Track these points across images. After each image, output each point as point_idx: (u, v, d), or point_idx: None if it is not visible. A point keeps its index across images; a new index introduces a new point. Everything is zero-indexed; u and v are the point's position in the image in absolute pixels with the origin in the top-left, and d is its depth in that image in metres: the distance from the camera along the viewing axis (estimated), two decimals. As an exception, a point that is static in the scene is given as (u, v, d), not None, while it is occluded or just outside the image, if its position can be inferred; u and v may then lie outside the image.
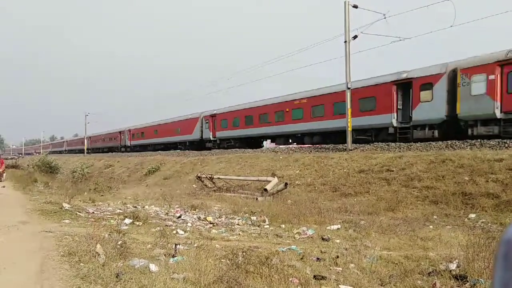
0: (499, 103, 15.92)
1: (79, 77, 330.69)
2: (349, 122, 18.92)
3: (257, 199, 14.47)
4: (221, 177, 19.13)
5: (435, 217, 10.73)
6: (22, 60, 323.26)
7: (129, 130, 51.74)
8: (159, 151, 40.70)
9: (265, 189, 15.10)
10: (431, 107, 18.21)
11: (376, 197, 13.04)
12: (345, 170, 16.17)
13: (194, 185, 20.41)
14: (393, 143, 18.41)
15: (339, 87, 21.81)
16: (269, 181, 15.66)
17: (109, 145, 59.70)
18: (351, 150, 18.77)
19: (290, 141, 27.83)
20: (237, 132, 31.85)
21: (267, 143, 33.07)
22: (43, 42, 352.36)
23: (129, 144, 51.77)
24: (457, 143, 15.56)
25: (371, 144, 19.53)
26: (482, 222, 9.72)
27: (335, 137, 22.51)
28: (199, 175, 20.00)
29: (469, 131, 16.99)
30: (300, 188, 16.16)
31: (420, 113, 18.65)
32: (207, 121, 35.87)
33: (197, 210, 12.62)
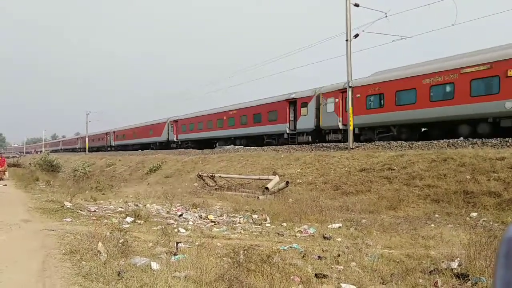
0: (340, 118, 22.11)
1: (80, 76, 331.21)
2: (351, 121, 18.90)
3: (258, 197, 14.48)
4: (222, 175, 19.15)
5: (436, 215, 10.72)
6: (23, 60, 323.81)
7: (114, 132, 57.75)
8: (145, 150, 44.36)
9: (266, 188, 15.11)
10: (307, 120, 24.86)
11: (378, 196, 13.03)
12: (346, 169, 16.16)
13: (195, 184, 20.43)
14: (394, 142, 18.41)
15: (256, 103, 30.15)
16: (270, 180, 15.67)
17: (97, 145, 64.67)
18: (352, 148, 18.76)
19: (228, 143, 33.36)
20: (193, 135, 38.42)
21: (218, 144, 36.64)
22: (44, 42, 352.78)
23: (113, 144, 57.47)
24: (458, 141, 15.53)
25: (373, 143, 19.50)
26: (484, 220, 9.71)
27: (255, 140, 29.73)
28: (200, 173, 20.02)
29: (327, 137, 23.65)
30: (301, 187, 16.16)
31: (301, 124, 25.44)
32: (172, 125, 41.98)
33: (198, 208, 12.63)
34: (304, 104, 25.03)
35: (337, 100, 22.42)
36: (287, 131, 26.47)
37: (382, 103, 19.95)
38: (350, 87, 19.05)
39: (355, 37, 19.14)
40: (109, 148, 59.04)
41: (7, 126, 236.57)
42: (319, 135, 24.42)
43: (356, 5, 19.08)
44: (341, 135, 22.12)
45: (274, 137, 28.25)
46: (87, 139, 63.06)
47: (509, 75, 15.18)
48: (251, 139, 30.30)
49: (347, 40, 19.14)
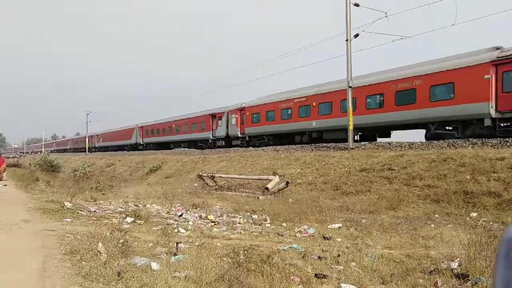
0: (239, 129, 31.24)
1: (80, 76, 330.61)
2: (351, 121, 18.89)
3: (258, 197, 14.48)
4: (222, 175, 19.15)
5: (436, 215, 10.72)
6: (23, 60, 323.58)
7: (97, 135, 66.41)
8: (118, 151, 50.70)
9: (266, 188, 15.11)
10: (221, 130, 33.62)
11: (378, 196, 13.03)
12: (346, 169, 16.16)
13: (195, 184, 20.43)
14: (394, 142, 18.43)
15: (193, 115, 38.64)
16: (270, 180, 15.67)
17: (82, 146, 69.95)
18: (352, 149, 18.75)
19: (182, 145, 40.26)
20: (154, 139, 46.66)
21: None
22: (44, 42, 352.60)
23: (96, 146, 66.32)
24: (458, 141, 15.55)
25: (372, 143, 19.51)
26: (484, 220, 9.71)
27: (194, 143, 38.08)
28: (200, 173, 20.02)
29: (233, 142, 32.18)
30: (301, 187, 16.16)
31: (218, 132, 34.18)
32: (139, 130, 50.47)
33: (198, 208, 12.63)
34: (220, 118, 33.95)
35: (237, 116, 31.54)
36: (211, 137, 35.29)
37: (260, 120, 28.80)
38: (350, 87, 19.04)
39: (355, 37, 19.14)
40: (93, 150, 66.37)
41: (7, 127, 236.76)
42: (229, 141, 33.09)
43: (356, 4, 19.07)
44: (240, 141, 31.57)
45: (202, 142, 36.91)
46: (87, 139, 63.63)
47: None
48: (191, 143, 38.92)
49: (347, 40, 19.13)
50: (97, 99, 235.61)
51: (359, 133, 22.66)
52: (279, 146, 25.05)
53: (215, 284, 4.83)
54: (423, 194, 12.29)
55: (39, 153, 68.68)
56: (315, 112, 23.88)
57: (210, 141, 35.49)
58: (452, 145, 15.36)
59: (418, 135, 20.11)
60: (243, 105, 31.21)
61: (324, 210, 11.13)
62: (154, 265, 5.37)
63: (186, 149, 36.71)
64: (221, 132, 33.80)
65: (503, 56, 15.44)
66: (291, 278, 5.32)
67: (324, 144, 22.08)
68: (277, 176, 16.23)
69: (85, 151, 63.41)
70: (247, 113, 30.35)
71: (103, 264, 5.17)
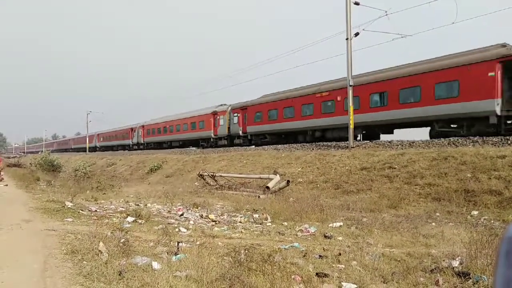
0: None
1: (80, 76, 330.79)
2: (351, 120, 18.88)
3: (259, 196, 14.48)
4: (223, 175, 19.16)
5: (437, 214, 10.71)
6: (23, 60, 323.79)
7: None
8: (136, 151, 49.40)
9: (267, 187, 15.12)
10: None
11: (378, 195, 13.02)
12: (347, 168, 16.15)
13: (196, 183, 20.44)
14: (395, 140, 18.41)
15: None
16: (271, 179, 15.67)
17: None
18: (353, 147, 18.74)
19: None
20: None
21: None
22: (44, 41, 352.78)
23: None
24: (459, 140, 15.53)
25: (373, 141, 19.49)
26: (485, 219, 9.70)
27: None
28: (201, 173, 20.03)
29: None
30: (302, 186, 16.16)
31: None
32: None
33: (199, 208, 12.63)
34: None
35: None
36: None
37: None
38: (351, 85, 19.02)
39: (356, 36, 19.11)
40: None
41: (8, 126, 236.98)
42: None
43: (357, 3, 19.04)
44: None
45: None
46: (87, 139, 63.82)
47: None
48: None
49: (347, 39, 19.11)
50: (97, 99, 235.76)
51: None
52: (280, 145, 25.06)
53: (216, 283, 4.83)
54: (424, 193, 12.28)
55: (40, 152, 68.78)
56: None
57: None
58: (453, 143, 15.35)
59: (419, 134, 20.09)
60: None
61: (325, 209, 11.13)
62: (155, 265, 5.38)
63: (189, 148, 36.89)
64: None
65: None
66: (292, 277, 5.32)
67: (324, 143, 22.06)
68: (278, 175, 16.24)
69: (86, 151, 63.74)
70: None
71: (104, 263, 5.17)
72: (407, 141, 17.79)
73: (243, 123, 30.86)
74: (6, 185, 17.93)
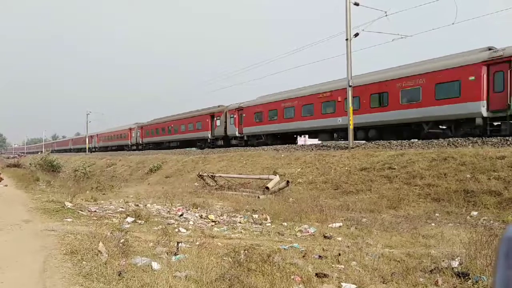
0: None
1: (81, 76, 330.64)
2: (351, 121, 18.89)
3: (258, 197, 14.48)
4: (222, 175, 19.16)
5: (437, 214, 10.72)
6: (23, 60, 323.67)
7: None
8: (151, 150, 48.06)
9: (267, 187, 15.12)
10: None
11: (378, 195, 13.03)
12: (346, 168, 16.16)
13: (195, 184, 20.44)
14: (394, 141, 18.43)
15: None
16: (271, 179, 15.68)
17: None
18: (352, 148, 18.75)
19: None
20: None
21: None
22: (44, 41, 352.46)
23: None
24: (458, 140, 15.55)
25: (373, 142, 19.50)
26: (484, 219, 9.71)
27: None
28: (200, 173, 20.03)
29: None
30: (301, 186, 16.16)
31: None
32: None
33: (199, 208, 12.63)
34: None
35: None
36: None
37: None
38: (350, 86, 19.03)
39: (355, 36, 19.13)
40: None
41: (7, 127, 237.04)
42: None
43: (356, 4, 19.06)
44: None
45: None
46: (87, 139, 63.82)
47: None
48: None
49: (347, 39, 19.12)
50: (97, 99, 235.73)
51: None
52: (279, 146, 25.06)
53: (215, 283, 4.83)
54: (424, 193, 12.29)
55: (39, 153, 68.73)
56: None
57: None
58: (453, 144, 15.36)
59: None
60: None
61: (325, 209, 11.13)
62: (155, 265, 5.38)
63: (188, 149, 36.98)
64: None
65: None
66: (292, 277, 5.32)
67: (324, 143, 22.09)
68: (277, 176, 16.24)
69: (86, 151, 63.78)
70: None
71: (104, 264, 5.17)
72: (407, 141, 17.81)
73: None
74: (6, 186, 17.92)
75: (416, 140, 17.93)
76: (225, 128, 32.83)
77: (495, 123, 16.31)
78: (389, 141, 18.57)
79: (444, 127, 18.20)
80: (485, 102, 15.77)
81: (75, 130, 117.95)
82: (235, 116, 31.60)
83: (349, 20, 19.04)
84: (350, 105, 19.01)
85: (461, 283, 5.08)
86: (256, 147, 26.90)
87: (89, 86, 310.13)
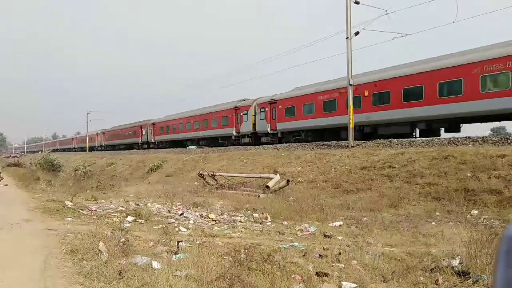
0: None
1: (81, 76, 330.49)
2: (351, 119, 18.89)
3: (259, 196, 14.48)
4: (223, 174, 19.15)
5: (437, 213, 10.71)
6: (23, 59, 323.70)
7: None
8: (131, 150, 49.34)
9: (267, 186, 15.11)
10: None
11: (378, 194, 13.02)
12: (347, 167, 16.15)
13: (196, 183, 20.44)
14: (395, 140, 18.41)
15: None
16: (271, 178, 15.66)
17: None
18: (353, 146, 18.75)
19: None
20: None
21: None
22: (44, 41, 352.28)
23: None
24: (459, 139, 15.54)
25: (373, 141, 19.49)
26: (485, 218, 9.70)
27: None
28: (201, 172, 20.02)
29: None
30: (302, 185, 16.16)
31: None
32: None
33: (199, 207, 12.63)
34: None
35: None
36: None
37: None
38: (350, 85, 19.02)
39: (356, 35, 19.11)
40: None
41: (7, 126, 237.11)
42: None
43: (357, 2, 19.05)
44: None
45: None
46: (87, 138, 63.81)
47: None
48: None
49: (347, 38, 19.10)
50: (98, 99, 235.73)
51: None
52: (280, 145, 25.03)
53: (216, 282, 4.83)
54: (424, 192, 12.29)
55: (40, 152, 68.81)
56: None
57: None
58: (453, 142, 15.36)
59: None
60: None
61: (325, 208, 11.13)
62: (155, 264, 5.38)
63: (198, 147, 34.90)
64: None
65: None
66: (292, 276, 5.32)
67: (324, 142, 22.05)
68: (277, 175, 16.23)
69: (90, 150, 63.20)
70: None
71: (104, 263, 5.17)
72: (407, 140, 17.80)
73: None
74: (6, 185, 17.95)
75: (417, 138, 17.92)
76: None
77: None
78: (389, 140, 18.56)
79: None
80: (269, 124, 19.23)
81: (76, 129, 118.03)
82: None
83: (349, 18, 19.02)
84: (351, 103, 19.00)
85: (461, 282, 5.08)
86: (257, 146, 26.84)
87: (90, 86, 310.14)
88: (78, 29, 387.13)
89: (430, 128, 19.18)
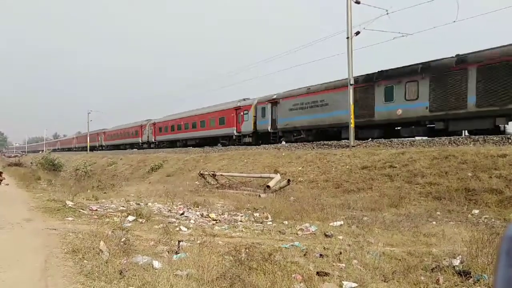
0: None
1: (81, 75, 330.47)
2: (352, 119, 18.87)
3: (259, 196, 14.47)
4: (223, 174, 19.15)
5: (438, 213, 10.70)
6: (23, 59, 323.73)
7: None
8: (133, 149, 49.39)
9: (268, 186, 15.10)
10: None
11: (379, 193, 13.01)
12: (347, 167, 16.14)
13: (196, 182, 20.44)
14: (395, 139, 18.39)
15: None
16: (272, 178, 15.66)
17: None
18: (354, 146, 18.73)
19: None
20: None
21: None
22: (44, 41, 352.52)
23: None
24: (460, 139, 15.52)
25: (374, 141, 19.48)
26: (486, 218, 9.69)
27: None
28: (201, 172, 20.02)
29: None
30: (302, 185, 16.16)
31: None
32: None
33: (200, 207, 12.64)
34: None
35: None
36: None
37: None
38: (351, 84, 19.00)
39: (356, 35, 19.09)
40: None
41: (8, 126, 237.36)
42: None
43: (357, 2, 19.02)
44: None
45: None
46: (88, 138, 63.90)
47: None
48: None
49: (348, 38, 19.08)
50: (98, 99, 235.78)
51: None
52: (280, 144, 25.02)
53: (217, 282, 4.84)
54: (425, 192, 12.27)
55: (40, 152, 68.86)
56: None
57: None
58: (454, 142, 15.34)
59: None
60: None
61: (326, 208, 11.13)
62: (156, 264, 5.38)
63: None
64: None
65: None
66: (293, 276, 5.32)
67: (325, 142, 22.02)
68: (278, 174, 16.23)
69: (91, 150, 63.18)
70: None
71: (105, 262, 5.18)
72: (408, 140, 17.79)
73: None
74: (7, 184, 17.96)
75: (418, 138, 17.90)
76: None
77: None
78: (390, 140, 18.54)
79: None
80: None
81: (76, 129, 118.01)
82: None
83: (350, 18, 19.00)
84: (351, 102, 18.97)
85: (462, 282, 5.08)
86: (258, 146, 26.82)
87: (90, 86, 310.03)
88: (78, 29, 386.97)
89: (202, 143, 35.51)
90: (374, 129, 20.67)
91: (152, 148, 46.17)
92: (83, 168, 29.29)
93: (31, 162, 36.49)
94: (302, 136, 25.11)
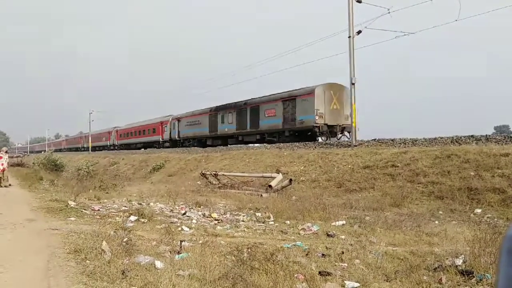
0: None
1: (82, 75, 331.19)
2: (354, 118, 18.86)
3: (261, 195, 14.48)
4: (225, 173, 19.16)
5: (440, 212, 10.68)
6: (24, 59, 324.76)
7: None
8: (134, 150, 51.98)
9: (270, 186, 15.11)
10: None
11: (381, 193, 12.99)
12: (349, 166, 16.12)
13: (198, 182, 20.46)
14: (397, 139, 18.39)
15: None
16: (274, 178, 15.66)
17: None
18: (356, 146, 18.72)
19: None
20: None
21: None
22: (45, 41, 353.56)
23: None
24: (462, 138, 15.49)
25: (376, 140, 19.46)
26: (488, 217, 9.67)
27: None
28: (203, 172, 20.04)
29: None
30: (304, 184, 16.15)
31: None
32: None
33: (202, 206, 12.64)
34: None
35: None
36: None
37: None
38: (353, 84, 18.99)
39: (358, 34, 19.05)
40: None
41: (10, 126, 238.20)
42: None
43: (359, 1, 18.99)
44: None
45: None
46: (90, 138, 63.80)
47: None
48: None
49: (349, 37, 19.06)
50: (99, 98, 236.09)
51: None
52: (282, 144, 25.02)
53: (219, 282, 4.84)
54: (427, 191, 12.25)
55: (43, 152, 69.00)
56: None
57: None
58: (456, 141, 15.31)
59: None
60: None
61: (328, 207, 11.11)
62: (158, 264, 5.39)
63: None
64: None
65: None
66: (295, 275, 5.32)
67: (327, 142, 22.02)
68: (280, 174, 16.23)
69: (101, 149, 62.49)
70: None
71: (107, 262, 5.19)
72: (410, 139, 17.77)
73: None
74: (10, 185, 18.01)
75: (420, 137, 17.89)
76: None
77: None
78: (392, 139, 18.52)
79: None
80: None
81: (77, 129, 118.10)
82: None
83: (351, 17, 18.97)
84: (353, 102, 18.96)
85: (465, 281, 5.07)
86: (259, 145, 26.92)
87: (91, 86, 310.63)
88: (78, 29, 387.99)
89: (143, 146, 46.32)
90: (218, 139, 33.88)
91: (178, 146, 47.76)
92: (85, 168, 29.33)
93: (33, 163, 36.55)
94: (191, 142, 37.25)
